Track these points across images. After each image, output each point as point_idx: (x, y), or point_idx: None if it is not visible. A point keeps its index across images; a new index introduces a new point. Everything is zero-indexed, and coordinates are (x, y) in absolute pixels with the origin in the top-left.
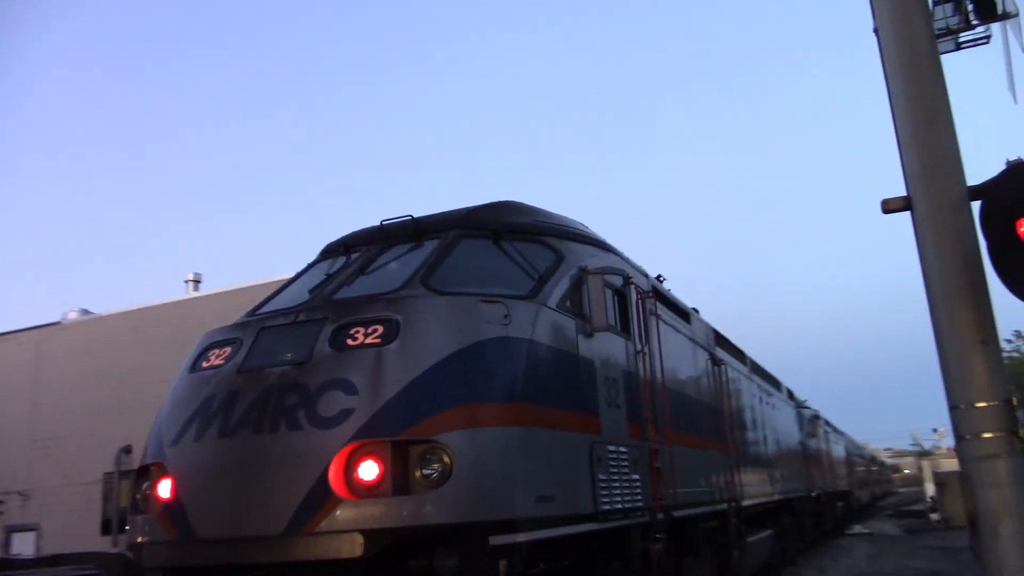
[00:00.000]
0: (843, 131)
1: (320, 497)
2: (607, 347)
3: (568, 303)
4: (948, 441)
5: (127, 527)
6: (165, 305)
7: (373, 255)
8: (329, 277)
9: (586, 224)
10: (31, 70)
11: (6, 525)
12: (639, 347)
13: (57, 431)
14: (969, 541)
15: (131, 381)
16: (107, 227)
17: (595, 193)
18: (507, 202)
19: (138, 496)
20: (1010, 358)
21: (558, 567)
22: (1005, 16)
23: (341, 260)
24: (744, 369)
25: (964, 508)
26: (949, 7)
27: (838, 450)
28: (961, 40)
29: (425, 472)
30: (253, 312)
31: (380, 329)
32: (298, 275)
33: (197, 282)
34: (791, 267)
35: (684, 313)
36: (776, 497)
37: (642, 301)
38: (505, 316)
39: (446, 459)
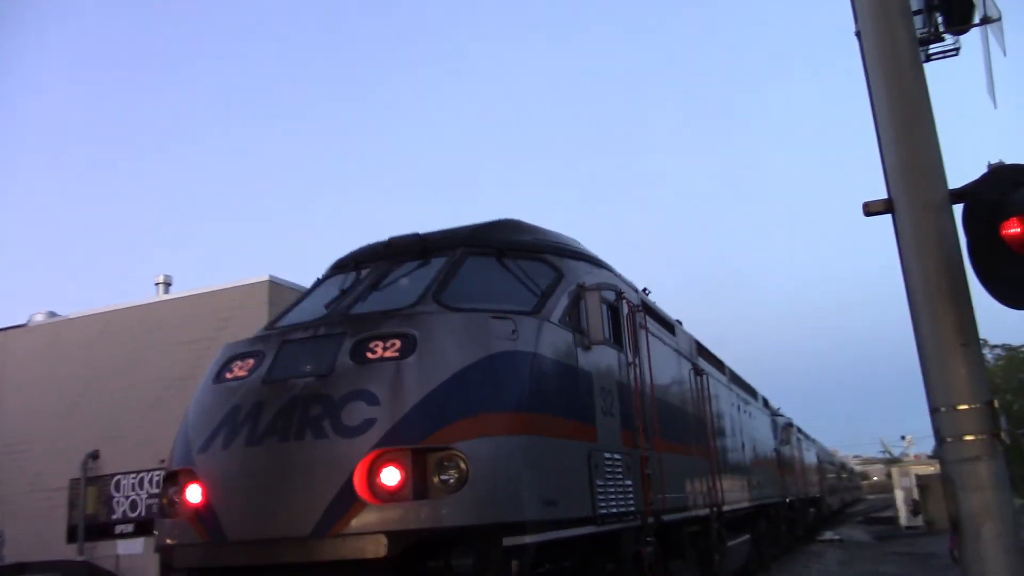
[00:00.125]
0: (816, 135)
1: (346, 501)
2: (602, 359)
3: (568, 318)
4: (916, 448)
5: (155, 531)
6: (134, 307)
7: (383, 271)
8: (343, 292)
9: (578, 240)
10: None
11: None
12: (630, 359)
13: (22, 436)
14: (951, 544)
15: (99, 385)
16: (76, 229)
17: (571, 197)
18: (508, 220)
19: (165, 501)
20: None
21: (559, 568)
22: (986, 21)
23: (352, 276)
24: (723, 379)
25: (946, 511)
26: (919, 18)
27: (810, 457)
28: (931, 52)
29: (443, 478)
30: (271, 325)
31: (398, 343)
32: (311, 289)
33: (168, 284)
34: (762, 275)
35: (669, 325)
36: (753, 503)
37: (632, 315)
38: (513, 331)
39: (462, 465)
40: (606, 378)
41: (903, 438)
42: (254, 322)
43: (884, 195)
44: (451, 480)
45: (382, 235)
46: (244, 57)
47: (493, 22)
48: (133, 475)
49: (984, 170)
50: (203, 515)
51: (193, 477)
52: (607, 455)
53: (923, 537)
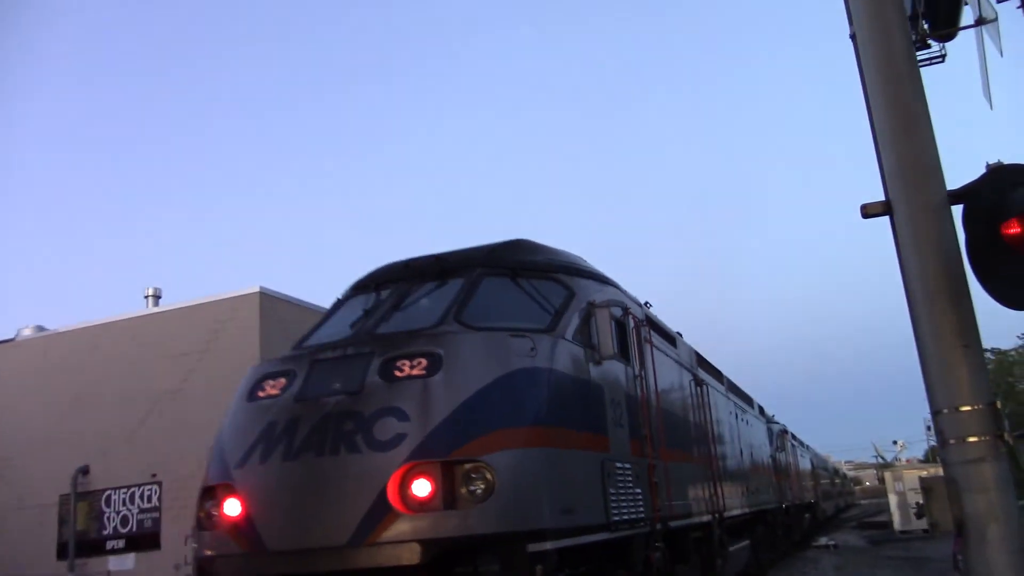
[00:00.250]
0: (802, 141)
1: (381, 511)
2: (612, 373)
3: (579, 335)
4: (908, 453)
5: (194, 543)
6: (124, 320)
7: (404, 292)
8: (367, 313)
9: (583, 257)
10: None
11: None
12: (637, 371)
13: (11, 452)
14: (955, 547)
15: (89, 399)
16: (63, 241)
17: (560, 198)
18: (521, 241)
19: (202, 514)
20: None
21: (576, 573)
22: (981, 22)
23: (372, 296)
24: (722, 388)
25: (951, 513)
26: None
27: (804, 463)
28: (917, 59)
29: (470, 488)
30: (299, 345)
31: (424, 362)
32: (333, 310)
33: (157, 297)
34: (753, 280)
35: (671, 338)
36: (752, 509)
37: (638, 329)
38: (531, 349)
39: (489, 476)
40: (616, 391)
41: (895, 443)
42: (245, 334)
43: (880, 197)
44: (478, 491)
45: (375, 241)
46: (222, 60)
47: (484, 23)
48: (124, 490)
49: (982, 171)
50: (242, 527)
51: (231, 491)
52: (618, 464)
53: (917, 541)
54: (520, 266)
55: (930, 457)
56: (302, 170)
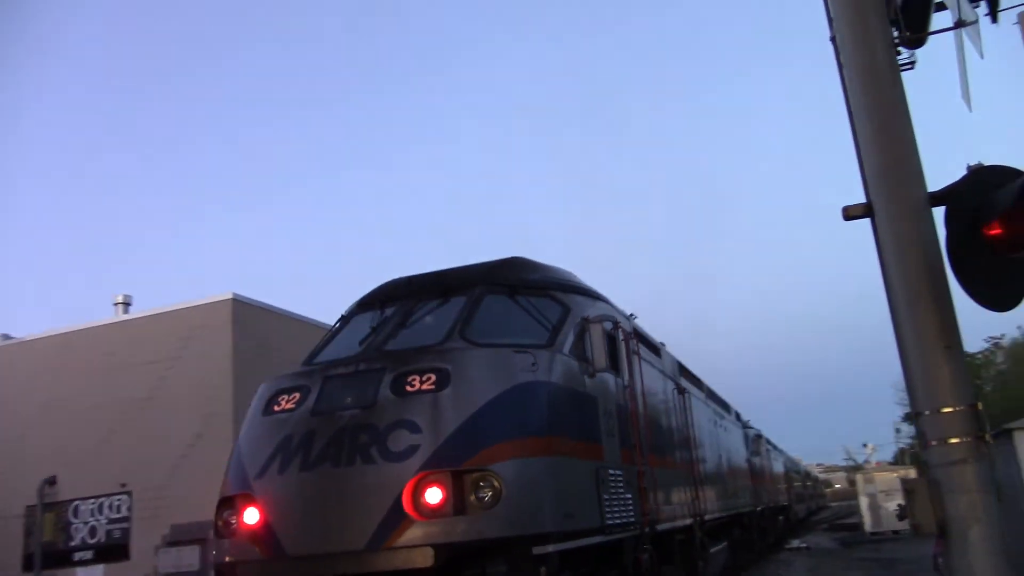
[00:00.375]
0: (777, 143)
1: (396, 518)
2: (604, 384)
3: (575, 349)
4: (878, 456)
5: (214, 551)
6: (93, 328)
7: (408, 309)
8: (374, 330)
9: (573, 273)
10: None
11: None
12: (626, 382)
13: None
14: (936, 548)
15: (57, 408)
16: (30, 246)
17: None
18: (518, 259)
19: (220, 523)
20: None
21: (574, 575)
22: (961, 24)
23: (377, 313)
24: (702, 395)
25: (933, 515)
26: None
27: (778, 467)
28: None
29: (479, 495)
30: (309, 361)
31: (433, 377)
32: (340, 327)
33: (127, 304)
34: (727, 283)
35: (655, 348)
36: (730, 512)
37: (626, 342)
38: (533, 364)
39: (496, 484)
40: (608, 401)
41: (865, 445)
42: (218, 341)
43: (857, 199)
44: (486, 498)
45: (353, 246)
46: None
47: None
48: (92, 500)
49: (963, 172)
50: (262, 534)
51: (250, 500)
52: (611, 471)
53: (888, 543)
54: (518, 284)
55: (899, 459)
56: (286, 177)
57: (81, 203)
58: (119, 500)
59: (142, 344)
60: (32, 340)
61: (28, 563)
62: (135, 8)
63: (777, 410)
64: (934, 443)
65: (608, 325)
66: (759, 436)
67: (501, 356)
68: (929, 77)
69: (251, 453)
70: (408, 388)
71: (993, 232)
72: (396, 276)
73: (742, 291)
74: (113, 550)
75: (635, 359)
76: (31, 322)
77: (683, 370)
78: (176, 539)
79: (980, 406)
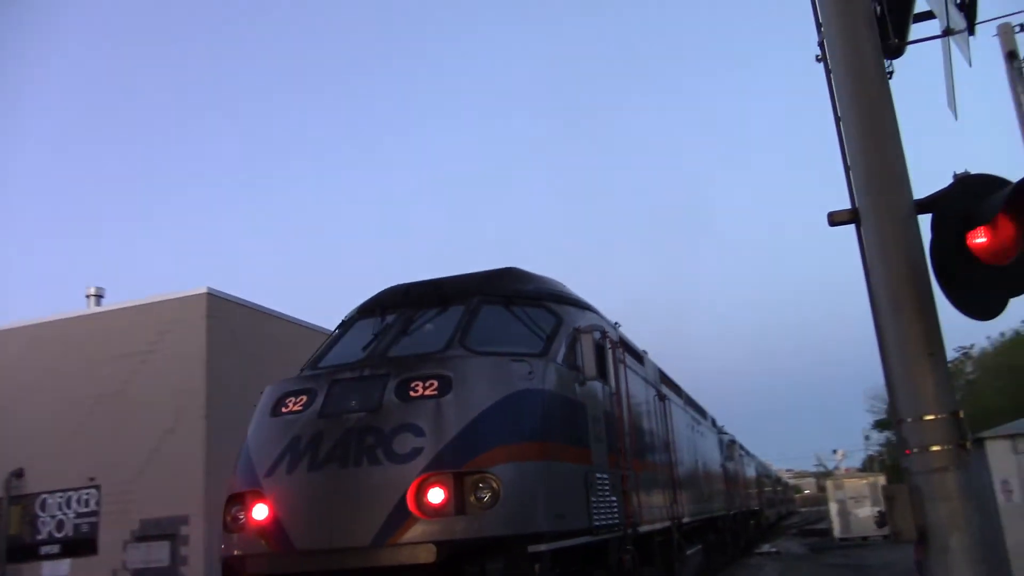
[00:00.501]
0: (757, 151)
1: (400, 516)
2: (593, 392)
3: (567, 358)
4: (848, 462)
5: (223, 544)
6: (64, 320)
7: (408, 317)
8: (376, 336)
9: (563, 283)
10: None
11: None
12: (613, 390)
13: None
14: (916, 555)
15: (25, 400)
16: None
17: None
18: (512, 270)
19: (229, 518)
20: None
21: (563, 573)
22: (949, 33)
23: (377, 320)
24: (680, 402)
25: (914, 522)
26: None
27: (750, 472)
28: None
29: (479, 496)
30: (314, 365)
31: (436, 383)
32: (342, 332)
33: (100, 296)
34: (703, 288)
35: (639, 356)
36: (705, 516)
37: (613, 350)
38: (529, 372)
39: (495, 486)
40: (596, 408)
41: (835, 452)
42: (192, 336)
43: (846, 205)
44: (485, 498)
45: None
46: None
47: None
48: (60, 494)
49: (950, 180)
50: (270, 529)
51: (259, 497)
52: (599, 475)
53: (857, 549)
54: (513, 294)
55: (867, 466)
56: (267, 169)
57: (56, 192)
58: (87, 494)
59: (114, 337)
60: (1, 331)
61: None
62: None
63: (748, 415)
64: (916, 450)
65: (597, 335)
66: (733, 442)
67: (500, 364)
68: (905, 87)
69: (260, 452)
70: (412, 393)
71: (977, 241)
72: (380, 274)
73: (717, 295)
74: (81, 544)
75: (621, 367)
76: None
77: (664, 377)
78: (145, 534)
79: (961, 414)
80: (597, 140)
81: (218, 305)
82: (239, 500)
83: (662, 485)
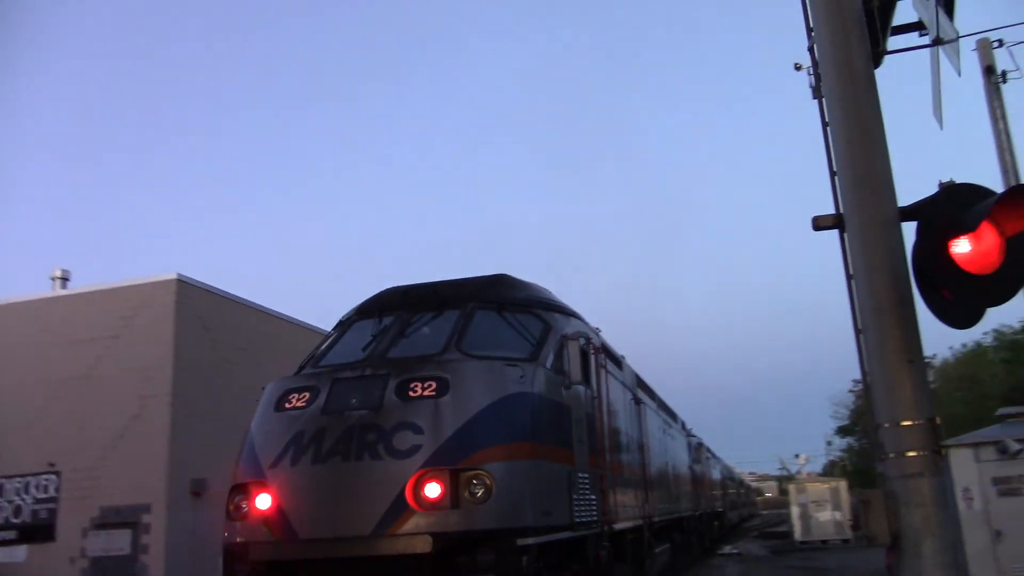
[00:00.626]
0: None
1: (399, 508)
2: (577, 395)
3: (555, 363)
4: (810, 467)
5: (225, 532)
6: (25, 302)
7: (406, 320)
8: (375, 338)
9: (549, 290)
10: None
11: None
12: (595, 394)
13: None
14: (888, 560)
15: None
16: None
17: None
18: (505, 277)
19: (232, 507)
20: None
21: (546, 565)
22: (939, 42)
23: (376, 321)
24: (654, 405)
25: (888, 527)
26: None
27: (715, 474)
28: None
29: (472, 492)
30: (316, 364)
31: (434, 385)
32: (341, 331)
33: (65, 279)
34: (675, 292)
35: (618, 361)
36: (673, 516)
37: (596, 356)
38: (521, 376)
39: (488, 482)
40: (579, 411)
41: (797, 456)
42: (160, 321)
43: (830, 210)
44: (479, 494)
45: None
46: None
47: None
48: (18, 479)
49: (935, 188)
50: (274, 518)
51: (263, 487)
52: (580, 474)
53: (817, 552)
54: (506, 301)
55: (828, 471)
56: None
57: (20, 177)
58: (47, 480)
59: (79, 321)
60: None
61: None
62: None
63: (713, 417)
64: (892, 455)
65: (582, 341)
66: (700, 444)
67: (494, 368)
68: (890, 95)
69: (264, 444)
70: (411, 393)
71: (959, 250)
72: (374, 274)
73: (686, 298)
74: (38, 531)
75: (602, 372)
76: None
77: (640, 381)
78: (105, 521)
79: (938, 420)
80: (589, 136)
81: (188, 292)
82: (243, 490)
83: (636, 485)
